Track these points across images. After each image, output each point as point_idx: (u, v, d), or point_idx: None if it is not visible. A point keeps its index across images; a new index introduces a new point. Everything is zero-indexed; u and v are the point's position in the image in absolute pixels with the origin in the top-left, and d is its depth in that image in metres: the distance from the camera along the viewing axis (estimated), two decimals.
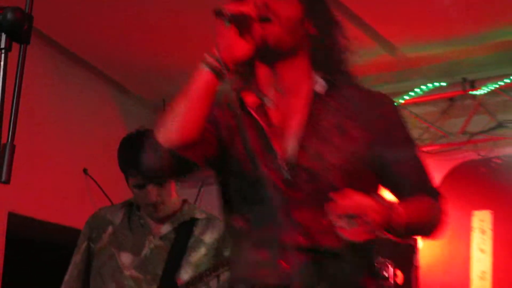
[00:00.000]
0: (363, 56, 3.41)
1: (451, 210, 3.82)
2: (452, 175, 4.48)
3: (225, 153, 1.93)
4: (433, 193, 1.89)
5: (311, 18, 1.89)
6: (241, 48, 1.80)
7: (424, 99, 4.45)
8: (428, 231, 1.88)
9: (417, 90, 4.40)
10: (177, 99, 1.82)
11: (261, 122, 1.90)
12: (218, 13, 1.74)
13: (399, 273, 4.00)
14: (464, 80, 4.18)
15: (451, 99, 4.35)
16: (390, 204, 1.71)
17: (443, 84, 4.31)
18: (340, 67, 1.95)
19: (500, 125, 4.27)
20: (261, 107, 1.93)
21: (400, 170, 1.89)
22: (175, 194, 3.17)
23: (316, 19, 1.92)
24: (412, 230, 1.80)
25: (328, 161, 1.83)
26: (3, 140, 1.33)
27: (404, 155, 1.93)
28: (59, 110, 4.51)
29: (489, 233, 4.27)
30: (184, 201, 3.20)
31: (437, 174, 4.33)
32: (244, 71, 1.94)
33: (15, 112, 1.31)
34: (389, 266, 3.95)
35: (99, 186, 4.62)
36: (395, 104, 2.05)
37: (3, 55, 1.33)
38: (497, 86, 4.12)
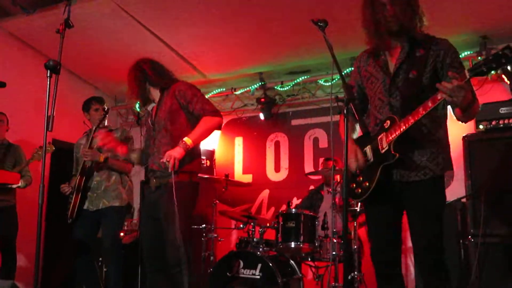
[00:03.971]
0: (191, 78, 6.88)
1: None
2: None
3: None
4: (209, 113, 3.39)
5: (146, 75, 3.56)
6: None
7: (216, 96, 7.10)
8: (210, 132, 3.37)
9: (213, 92, 7.05)
10: None
11: (152, 113, 3.61)
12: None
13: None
14: (232, 88, 6.99)
15: (227, 96, 7.15)
16: (181, 142, 3.25)
17: (223, 89, 7.09)
18: (166, 80, 3.57)
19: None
20: (152, 109, 3.67)
21: (193, 108, 3.44)
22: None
23: (151, 70, 3.59)
24: (199, 140, 3.34)
25: (162, 119, 3.48)
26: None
27: (192, 102, 3.43)
28: None
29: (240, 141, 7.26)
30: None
31: None
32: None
33: (53, 104, 2.27)
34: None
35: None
36: (188, 84, 3.51)
37: (48, 79, 2.34)
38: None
